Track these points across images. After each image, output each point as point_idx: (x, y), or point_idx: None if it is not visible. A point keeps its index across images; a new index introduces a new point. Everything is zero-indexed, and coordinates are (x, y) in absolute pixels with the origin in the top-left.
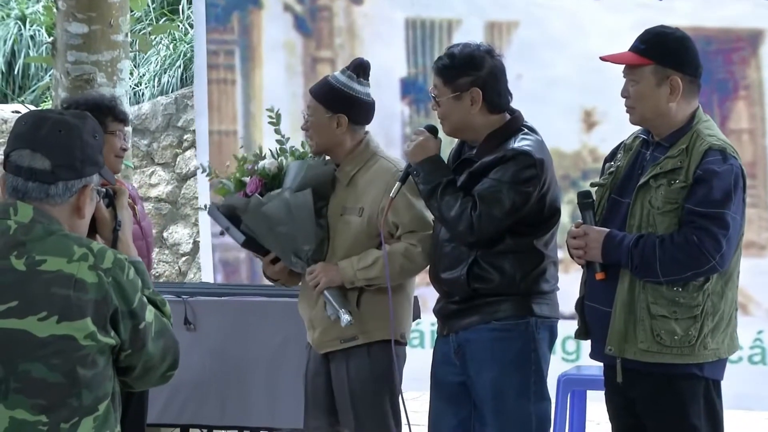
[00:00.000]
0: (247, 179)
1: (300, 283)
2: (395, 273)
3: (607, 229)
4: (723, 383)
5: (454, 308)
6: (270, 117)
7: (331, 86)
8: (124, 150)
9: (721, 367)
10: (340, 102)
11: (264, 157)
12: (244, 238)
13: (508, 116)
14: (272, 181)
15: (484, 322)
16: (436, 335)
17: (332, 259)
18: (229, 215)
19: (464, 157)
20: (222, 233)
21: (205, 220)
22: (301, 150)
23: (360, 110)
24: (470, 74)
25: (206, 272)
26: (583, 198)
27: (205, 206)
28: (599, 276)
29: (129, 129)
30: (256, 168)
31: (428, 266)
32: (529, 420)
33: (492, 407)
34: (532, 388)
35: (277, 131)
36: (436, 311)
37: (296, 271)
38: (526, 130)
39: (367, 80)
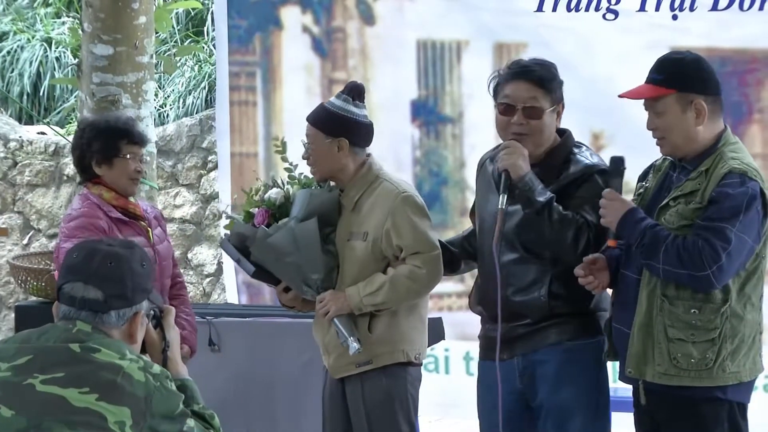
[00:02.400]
0: (254, 211)
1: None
2: (401, 296)
3: (634, 205)
4: None
5: (522, 331)
6: (276, 146)
7: (327, 111)
8: (139, 172)
9: (745, 390)
10: (339, 126)
11: (273, 187)
12: (254, 270)
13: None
14: (279, 210)
15: (557, 342)
16: (475, 360)
17: (341, 285)
18: (240, 247)
19: None
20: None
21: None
22: (310, 177)
23: (359, 133)
24: (560, 88)
25: (230, 294)
26: (614, 164)
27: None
28: (611, 243)
29: (153, 150)
30: (261, 199)
31: (479, 291)
32: None
33: (565, 428)
34: (602, 410)
35: (284, 159)
36: (496, 336)
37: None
38: (584, 147)
39: (363, 102)
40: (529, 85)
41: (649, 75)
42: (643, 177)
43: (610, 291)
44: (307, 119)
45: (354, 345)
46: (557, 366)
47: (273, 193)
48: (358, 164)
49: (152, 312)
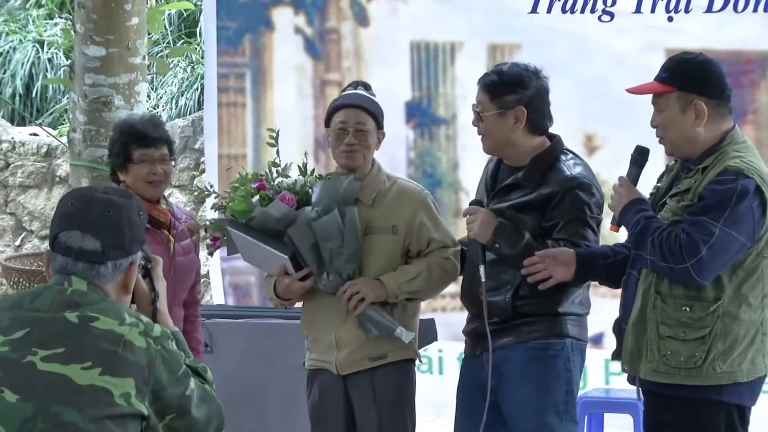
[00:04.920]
0: (265, 193)
1: (302, 303)
2: (434, 286)
3: (642, 195)
4: None
5: (492, 328)
6: (270, 137)
7: (376, 104)
8: (155, 174)
9: (747, 391)
10: (382, 118)
11: (275, 175)
12: (291, 252)
13: (547, 140)
14: (303, 197)
15: (522, 341)
16: (461, 358)
17: (364, 277)
18: (260, 229)
19: (511, 181)
20: (232, 251)
21: None
22: (312, 174)
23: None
24: (517, 92)
25: (217, 296)
26: (637, 153)
27: (207, 229)
28: (612, 228)
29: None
30: (276, 184)
31: (462, 288)
32: None
33: (524, 426)
34: (564, 409)
35: (278, 152)
36: (469, 331)
37: (324, 290)
38: (570, 154)
39: None
40: (479, 89)
41: (658, 72)
42: (659, 179)
43: (585, 295)
44: (358, 106)
45: (408, 333)
46: (521, 364)
47: (296, 178)
48: (371, 160)
49: (141, 262)
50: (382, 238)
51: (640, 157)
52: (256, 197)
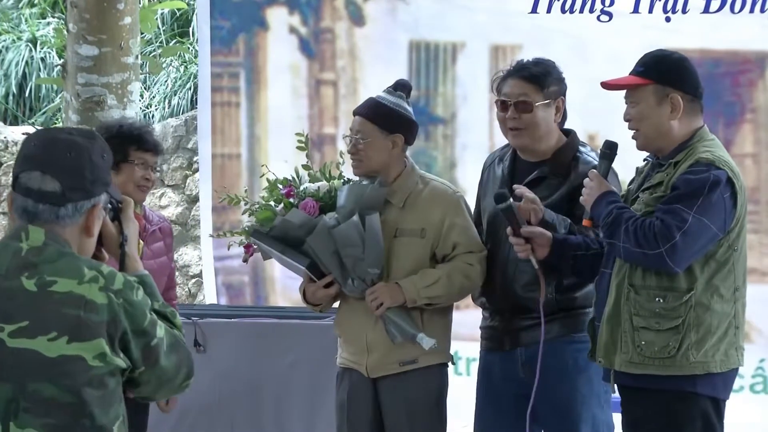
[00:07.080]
0: (289, 201)
1: (336, 305)
2: (455, 292)
3: (612, 188)
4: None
5: (526, 324)
6: (300, 142)
7: (384, 107)
8: (147, 179)
9: (721, 384)
10: (396, 122)
11: (301, 181)
12: (309, 261)
13: (562, 134)
14: (327, 203)
15: (563, 335)
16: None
17: (390, 281)
18: (280, 237)
19: (536, 175)
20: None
21: (207, 243)
22: (341, 175)
23: (412, 130)
24: (557, 84)
25: (209, 296)
26: (606, 147)
27: (234, 231)
28: (585, 222)
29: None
30: (301, 190)
31: (488, 285)
32: (606, 428)
33: (570, 419)
34: (605, 398)
35: (308, 156)
36: (500, 327)
37: (349, 295)
38: (588, 146)
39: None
40: (520, 81)
41: (634, 67)
42: (631, 182)
43: None
44: (360, 113)
45: (430, 340)
46: (564, 357)
47: (320, 185)
48: (402, 163)
49: (110, 204)
50: (410, 241)
51: (609, 151)
52: (281, 205)
